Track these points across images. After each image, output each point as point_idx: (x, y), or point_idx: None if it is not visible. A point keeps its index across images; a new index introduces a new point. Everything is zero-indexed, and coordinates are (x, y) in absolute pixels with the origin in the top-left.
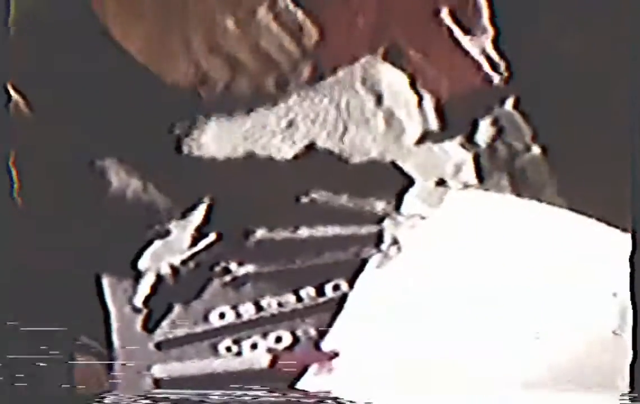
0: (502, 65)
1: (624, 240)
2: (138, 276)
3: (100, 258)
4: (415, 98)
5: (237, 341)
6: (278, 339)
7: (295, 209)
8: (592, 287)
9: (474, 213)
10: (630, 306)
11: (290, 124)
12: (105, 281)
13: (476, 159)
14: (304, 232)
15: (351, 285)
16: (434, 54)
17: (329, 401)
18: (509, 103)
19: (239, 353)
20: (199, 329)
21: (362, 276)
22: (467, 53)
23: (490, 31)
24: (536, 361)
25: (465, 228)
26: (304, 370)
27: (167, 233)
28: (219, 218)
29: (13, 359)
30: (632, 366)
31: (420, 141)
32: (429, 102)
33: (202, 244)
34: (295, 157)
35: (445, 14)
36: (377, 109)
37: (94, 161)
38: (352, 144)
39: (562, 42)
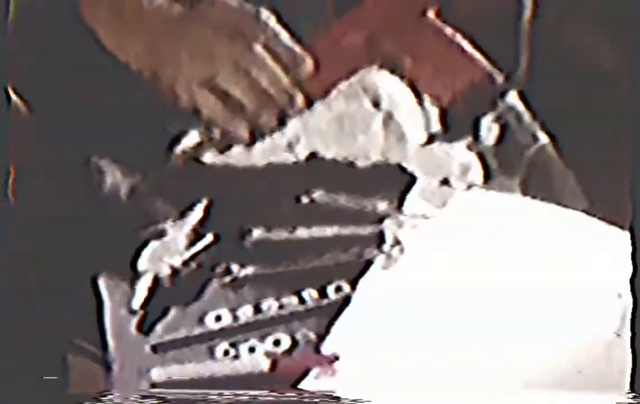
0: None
1: (628, 240)
2: (135, 277)
3: (97, 259)
4: (415, 101)
5: (234, 345)
6: (277, 343)
7: (295, 209)
8: (595, 287)
9: (478, 213)
10: (630, 307)
11: (291, 144)
12: (102, 283)
13: (481, 158)
14: (304, 233)
15: (353, 287)
16: (429, 56)
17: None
18: (511, 97)
19: (236, 357)
20: (196, 332)
21: (365, 278)
22: (463, 50)
23: None
24: (538, 361)
25: (469, 229)
26: (304, 373)
27: (164, 233)
28: (218, 219)
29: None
30: (633, 366)
31: (424, 143)
32: (429, 104)
33: (200, 244)
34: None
35: (432, 14)
36: (378, 115)
37: (90, 161)
38: (355, 152)
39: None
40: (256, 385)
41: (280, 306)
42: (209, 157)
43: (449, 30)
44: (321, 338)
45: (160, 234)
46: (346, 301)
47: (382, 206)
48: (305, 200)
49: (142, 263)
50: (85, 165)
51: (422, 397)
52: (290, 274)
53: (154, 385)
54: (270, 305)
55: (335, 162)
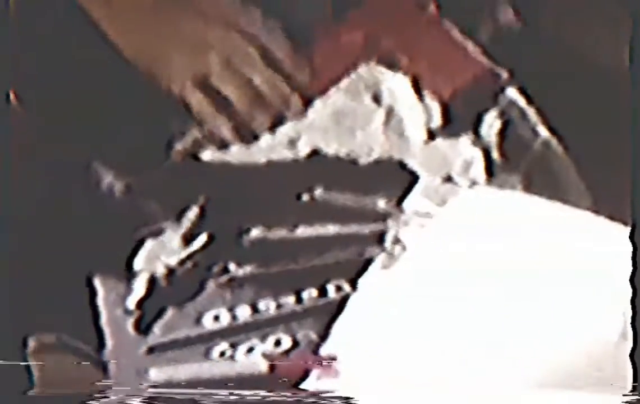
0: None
1: (629, 239)
2: (131, 277)
3: (92, 259)
4: (416, 97)
5: (233, 345)
6: (277, 343)
7: (296, 207)
8: (598, 288)
9: (480, 212)
10: (630, 307)
11: (293, 141)
12: (97, 283)
13: (485, 154)
14: (304, 231)
15: (354, 286)
16: (429, 52)
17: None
18: (512, 92)
19: (234, 357)
20: (194, 332)
21: (366, 277)
22: (463, 46)
23: None
24: (540, 361)
25: (471, 227)
26: (305, 374)
27: (161, 232)
28: (216, 217)
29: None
30: (634, 366)
31: (427, 139)
32: (431, 101)
33: (197, 243)
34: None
35: (432, 10)
36: (379, 111)
37: (87, 161)
38: (357, 148)
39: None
40: (256, 386)
41: (279, 306)
42: (208, 154)
43: (448, 26)
44: (322, 337)
45: (157, 233)
46: (346, 300)
47: (383, 204)
48: (305, 197)
49: (138, 263)
50: (80, 164)
51: (422, 397)
52: (290, 273)
53: (152, 386)
54: (268, 305)
55: (336, 159)
